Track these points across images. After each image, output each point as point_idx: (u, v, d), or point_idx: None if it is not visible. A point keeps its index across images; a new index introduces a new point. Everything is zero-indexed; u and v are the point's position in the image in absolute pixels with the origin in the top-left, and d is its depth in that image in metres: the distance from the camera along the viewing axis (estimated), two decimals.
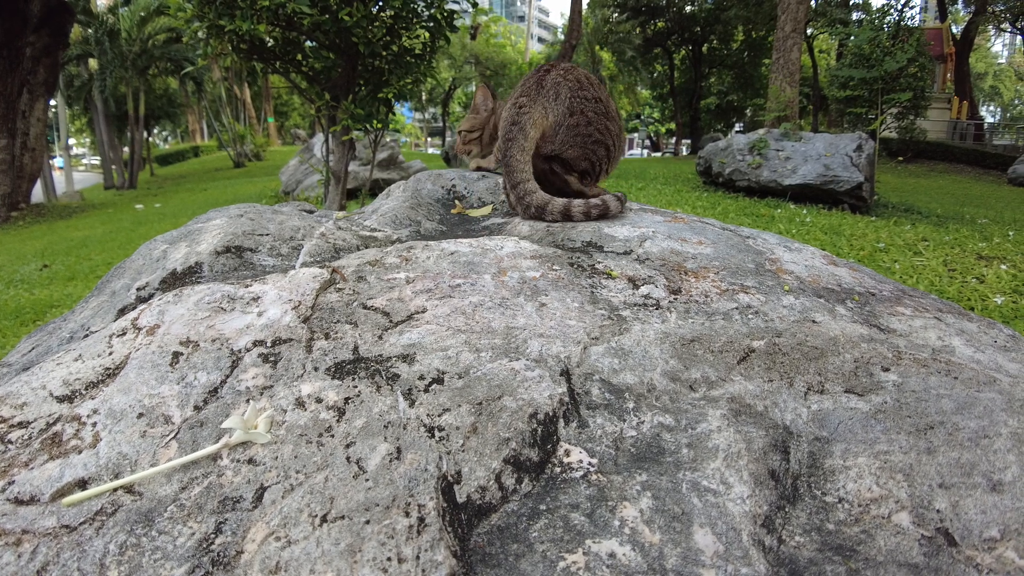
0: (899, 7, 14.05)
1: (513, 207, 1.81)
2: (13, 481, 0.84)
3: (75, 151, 43.01)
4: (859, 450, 0.96)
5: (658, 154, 35.83)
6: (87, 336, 1.38)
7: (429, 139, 48.99)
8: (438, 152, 25.43)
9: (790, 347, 1.13)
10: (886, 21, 11.33)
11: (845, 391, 1.07)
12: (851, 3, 20.26)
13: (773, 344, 1.13)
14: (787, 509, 0.88)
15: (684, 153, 26.47)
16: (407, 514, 0.70)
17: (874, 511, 0.88)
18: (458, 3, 4.96)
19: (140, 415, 0.92)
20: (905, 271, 4.57)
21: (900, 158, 13.18)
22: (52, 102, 15.57)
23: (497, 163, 2.36)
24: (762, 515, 0.83)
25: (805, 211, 6.94)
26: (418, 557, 0.66)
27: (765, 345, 1.12)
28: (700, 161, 9.22)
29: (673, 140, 32.32)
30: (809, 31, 19.12)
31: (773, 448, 0.94)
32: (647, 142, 42.81)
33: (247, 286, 1.14)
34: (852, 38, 10.41)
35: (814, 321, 1.24)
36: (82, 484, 0.83)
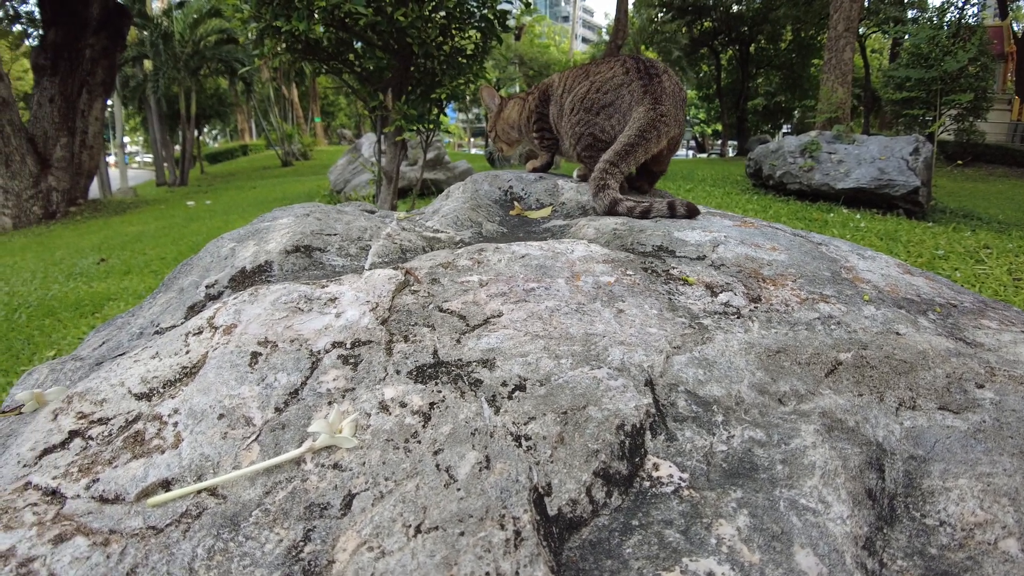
0: (960, 4, 13.54)
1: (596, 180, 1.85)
2: (97, 479, 0.84)
3: (129, 149, 44.33)
4: (959, 471, 0.91)
5: (704, 155, 35.36)
6: (158, 333, 1.40)
7: (472, 139, 49.25)
8: (482, 152, 25.52)
9: (878, 360, 1.08)
10: (945, 19, 10.96)
11: (939, 408, 1.02)
12: (906, 1, 19.69)
13: (860, 356, 1.08)
14: (886, 531, 0.84)
15: (731, 154, 26.08)
16: (502, 527, 0.68)
17: (979, 536, 0.84)
18: (510, 3, 4.95)
19: (221, 416, 0.92)
20: (967, 279, 4.40)
21: (959, 161, 12.72)
22: (109, 102, 16.07)
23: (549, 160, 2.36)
24: (863, 536, 0.79)
25: (859, 215, 6.75)
26: (517, 573, 0.64)
27: (852, 358, 1.08)
28: (750, 163, 9.04)
29: (719, 141, 31.87)
30: (861, 30, 18.63)
31: (868, 466, 0.90)
32: (692, 143, 42.27)
33: (323, 286, 1.14)
34: (908, 37, 10.09)
35: (898, 333, 1.19)
36: (166, 485, 0.83)
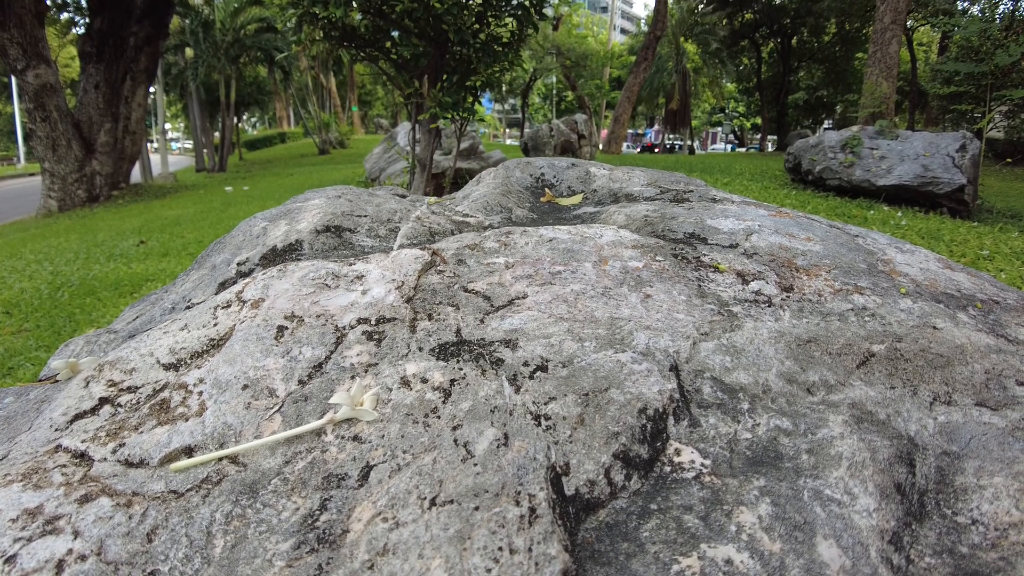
0: None
1: None
2: (124, 444, 0.86)
3: (170, 135, 45.22)
4: (995, 469, 0.88)
5: (742, 149, 34.78)
6: (189, 307, 1.42)
7: (507, 130, 49.24)
8: (516, 143, 25.45)
9: (912, 353, 1.05)
10: (998, 11, 10.57)
11: (976, 404, 0.99)
12: None
13: (894, 349, 1.05)
14: (914, 527, 0.82)
15: (770, 149, 25.62)
16: (517, 503, 0.68)
17: (1013, 537, 0.81)
18: None
19: (245, 387, 0.93)
20: (1012, 281, 4.25)
21: (1008, 160, 12.26)
22: (151, 89, 16.37)
23: None
24: (889, 531, 0.77)
25: (900, 213, 6.57)
26: (530, 549, 0.63)
27: (885, 350, 1.05)
28: (789, 158, 8.84)
29: (758, 135, 31.34)
30: (909, 23, 18.08)
31: (898, 460, 0.87)
32: (731, 136, 41.53)
33: (351, 264, 1.15)
34: (958, 30, 9.75)
35: (935, 327, 1.15)
36: (188, 451, 0.84)
